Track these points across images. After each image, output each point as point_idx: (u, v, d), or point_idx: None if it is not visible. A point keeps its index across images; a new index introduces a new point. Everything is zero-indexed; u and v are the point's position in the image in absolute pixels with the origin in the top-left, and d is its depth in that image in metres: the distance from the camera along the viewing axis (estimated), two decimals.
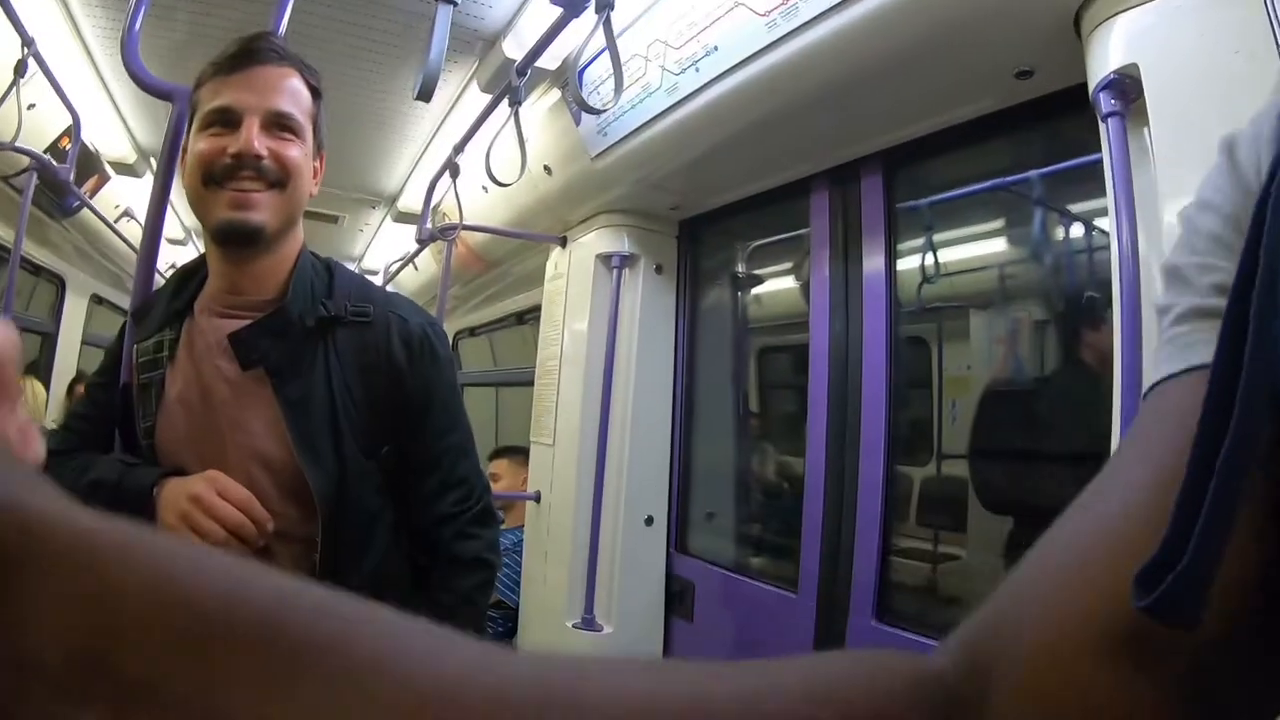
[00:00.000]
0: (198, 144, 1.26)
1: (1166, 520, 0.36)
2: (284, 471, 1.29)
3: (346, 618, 0.30)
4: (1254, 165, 0.45)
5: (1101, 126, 1.43)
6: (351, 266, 6.40)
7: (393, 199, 4.71)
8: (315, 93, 1.37)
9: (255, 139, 1.24)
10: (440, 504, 1.42)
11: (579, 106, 2.02)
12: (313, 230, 5.34)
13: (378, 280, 5.67)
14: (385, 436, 1.37)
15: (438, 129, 3.62)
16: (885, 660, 0.43)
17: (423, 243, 3.50)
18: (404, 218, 4.79)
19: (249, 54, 1.29)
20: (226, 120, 1.26)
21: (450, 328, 5.91)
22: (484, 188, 3.33)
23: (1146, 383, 0.47)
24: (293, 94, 1.31)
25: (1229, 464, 0.35)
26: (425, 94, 2.04)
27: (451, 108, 3.37)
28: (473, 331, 5.66)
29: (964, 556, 2.11)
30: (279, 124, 1.28)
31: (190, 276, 1.42)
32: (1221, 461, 0.35)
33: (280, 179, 1.28)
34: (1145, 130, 1.36)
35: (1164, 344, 0.46)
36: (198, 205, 1.29)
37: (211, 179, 1.25)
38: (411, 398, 1.38)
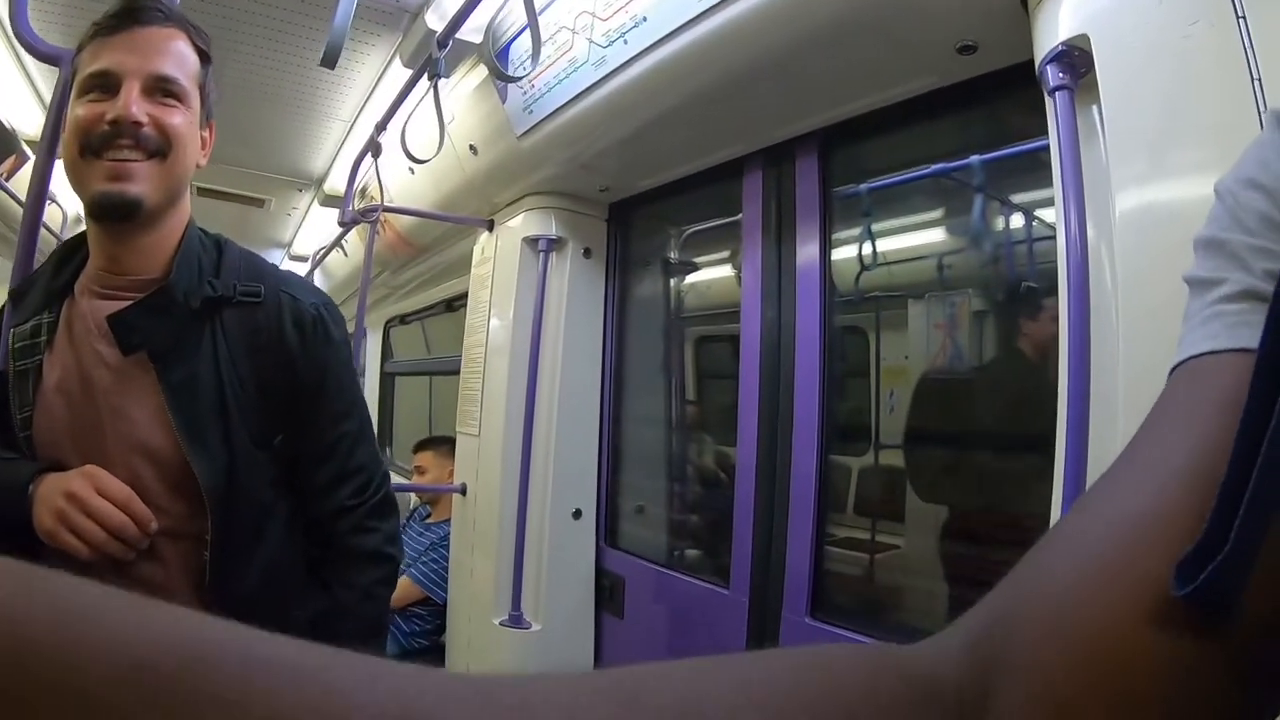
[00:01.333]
0: (76, 111, 1.18)
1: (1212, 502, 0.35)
2: (169, 463, 1.21)
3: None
4: None
5: (1048, 102, 1.36)
6: (280, 252, 6.23)
7: (320, 181, 4.56)
8: (204, 57, 1.29)
9: (134, 104, 1.16)
10: (336, 495, 1.35)
11: (495, 75, 1.92)
12: (239, 214, 5.17)
13: (305, 267, 5.52)
14: (278, 424, 1.30)
15: (362, 107, 3.50)
16: (878, 659, 0.40)
17: (345, 225, 3.37)
18: (332, 201, 4.63)
19: (131, 13, 1.21)
20: (106, 85, 1.18)
21: (381, 315, 5.76)
22: (410, 169, 3.24)
23: (1181, 354, 0.45)
24: (177, 57, 1.23)
25: (1275, 450, 0.34)
26: (329, 60, 1.93)
27: (376, 84, 3.25)
28: (403, 319, 5.52)
29: (902, 546, 2.07)
30: (161, 89, 1.20)
31: (71, 255, 1.32)
32: (1267, 447, 0.34)
33: (161, 148, 1.19)
34: (1095, 107, 1.30)
35: (1209, 318, 0.44)
36: (74, 177, 1.20)
37: (89, 148, 1.17)
38: (304, 382, 1.30)
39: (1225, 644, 0.36)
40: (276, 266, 1.39)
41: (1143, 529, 0.38)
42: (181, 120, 1.22)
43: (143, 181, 1.18)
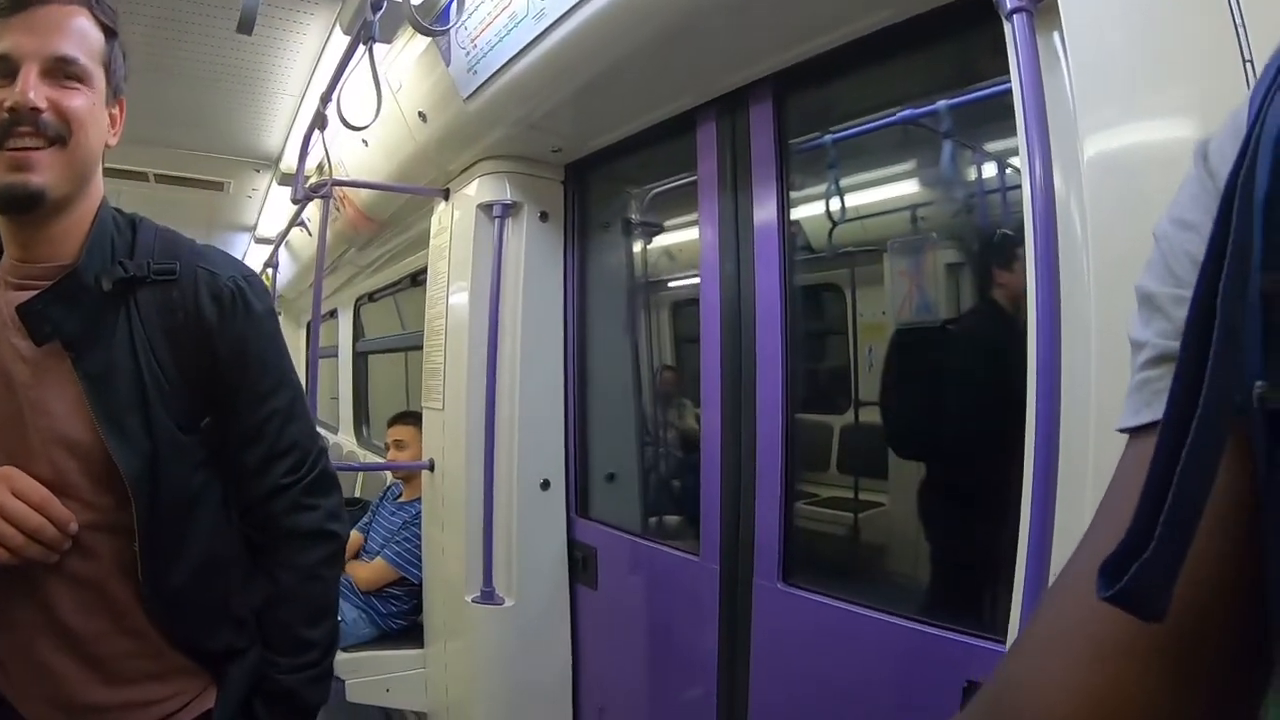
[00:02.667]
0: None
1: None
2: (92, 455, 1.16)
3: None
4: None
5: (1006, 28, 1.30)
6: (245, 236, 6.13)
7: (277, 160, 4.46)
8: (109, 32, 1.22)
9: (31, 90, 1.10)
10: (270, 476, 1.31)
11: (416, 29, 1.84)
12: (199, 199, 5.08)
13: (267, 249, 5.44)
14: (203, 406, 1.26)
15: (310, 80, 3.39)
16: None
17: (299, 202, 3.29)
18: (290, 179, 4.53)
19: None
20: (4, 70, 1.11)
21: (351, 294, 5.69)
22: (364, 141, 3.16)
23: (1120, 422, 0.48)
24: (78, 35, 1.17)
25: (1194, 453, 0.35)
26: (245, 25, 1.85)
27: (320, 55, 3.16)
28: (371, 297, 5.44)
29: (886, 504, 2.05)
30: (62, 70, 1.14)
31: None
32: (1187, 450, 0.35)
33: (61, 133, 1.13)
34: (1056, 34, 1.24)
35: (1135, 387, 0.48)
36: None
37: None
38: (224, 359, 1.25)
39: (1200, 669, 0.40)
40: (194, 242, 1.33)
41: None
42: (83, 103, 1.16)
43: (45, 171, 1.12)
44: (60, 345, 1.16)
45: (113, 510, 1.18)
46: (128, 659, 1.21)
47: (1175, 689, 0.40)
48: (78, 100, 1.15)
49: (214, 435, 1.27)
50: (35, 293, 1.16)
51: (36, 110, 1.10)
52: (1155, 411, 0.44)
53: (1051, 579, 1.19)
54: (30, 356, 1.16)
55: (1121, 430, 0.48)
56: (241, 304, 1.26)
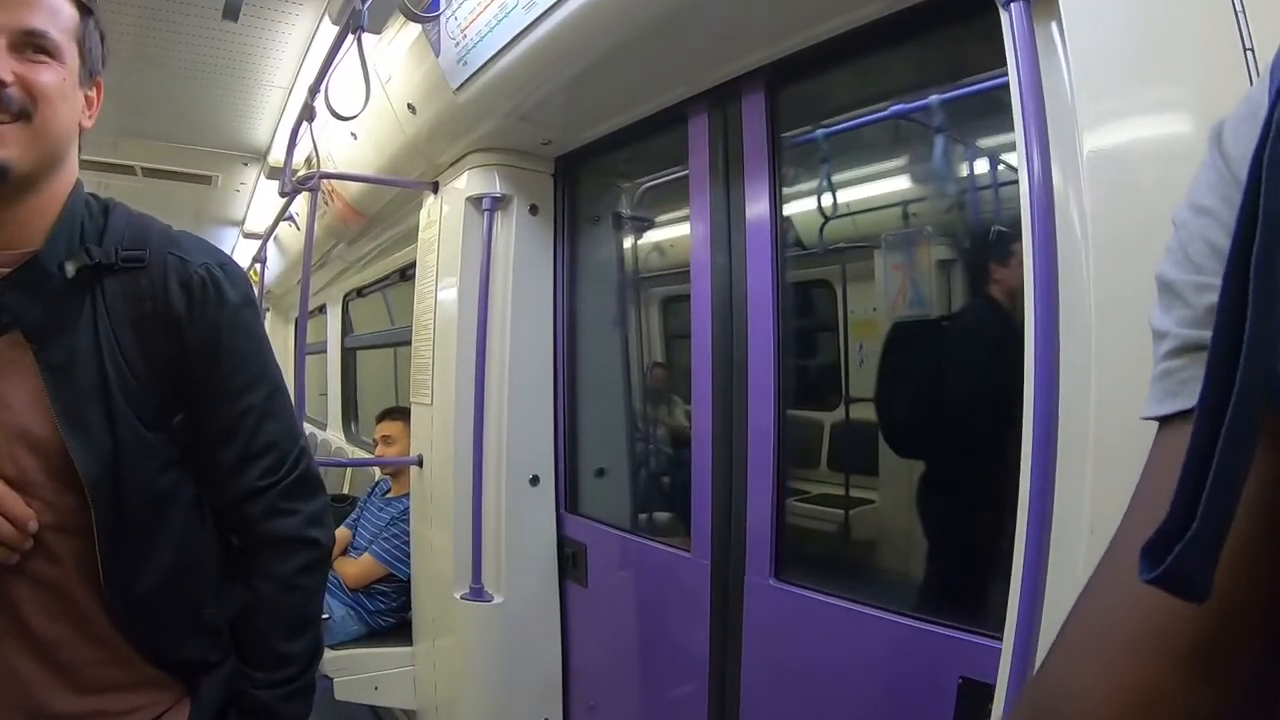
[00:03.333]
0: None
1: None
2: (52, 452, 1.10)
3: None
4: (1246, 157, 0.41)
5: (1003, 18, 1.28)
6: (233, 231, 6.09)
7: (265, 153, 4.43)
8: (84, 9, 1.17)
9: None
10: (244, 477, 1.24)
11: (405, 15, 1.82)
12: (187, 193, 5.06)
13: (256, 244, 5.40)
14: (173, 402, 1.20)
15: (298, 72, 3.37)
16: None
17: (286, 195, 3.25)
18: (278, 173, 4.50)
19: None
20: None
21: (340, 289, 5.65)
22: (353, 134, 3.13)
23: (1145, 411, 0.48)
24: (48, 10, 1.12)
25: (1233, 429, 0.35)
26: (230, 11, 1.82)
27: (309, 47, 3.13)
28: (360, 292, 5.41)
29: (876, 501, 2.03)
30: (31, 44, 1.09)
31: None
32: (1226, 427, 0.35)
33: (25, 108, 1.08)
34: (1055, 24, 1.22)
35: (1159, 377, 0.47)
36: None
37: None
38: (194, 350, 1.19)
39: (1241, 674, 0.41)
40: (169, 227, 1.27)
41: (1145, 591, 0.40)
42: (52, 78, 1.11)
43: (10, 145, 1.07)
44: (21, 336, 1.11)
45: (75, 511, 1.12)
46: (95, 666, 1.16)
47: (1211, 689, 0.41)
48: (46, 75, 1.10)
49: (186, 432, 1.21)
50: None
51: (2, 83, 1.06)
52: (1182, 400, 0.44)
53: (1050, 575, 1.18)
54: None
55: (1148, 419, 0.48)
56: (214, 292, 1.20)
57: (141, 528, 1.15)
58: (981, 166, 1.77)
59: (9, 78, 1.06)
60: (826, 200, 2.01)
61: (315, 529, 1.30)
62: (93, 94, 1.22)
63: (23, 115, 1.08)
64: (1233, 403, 0.35)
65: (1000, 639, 1.25)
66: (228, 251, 1.37)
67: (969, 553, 1.72)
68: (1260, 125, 0.39)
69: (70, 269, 1.13)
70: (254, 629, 1.25)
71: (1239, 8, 0.96)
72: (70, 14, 1.15)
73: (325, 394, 6.16)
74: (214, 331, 1.20)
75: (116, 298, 1.16)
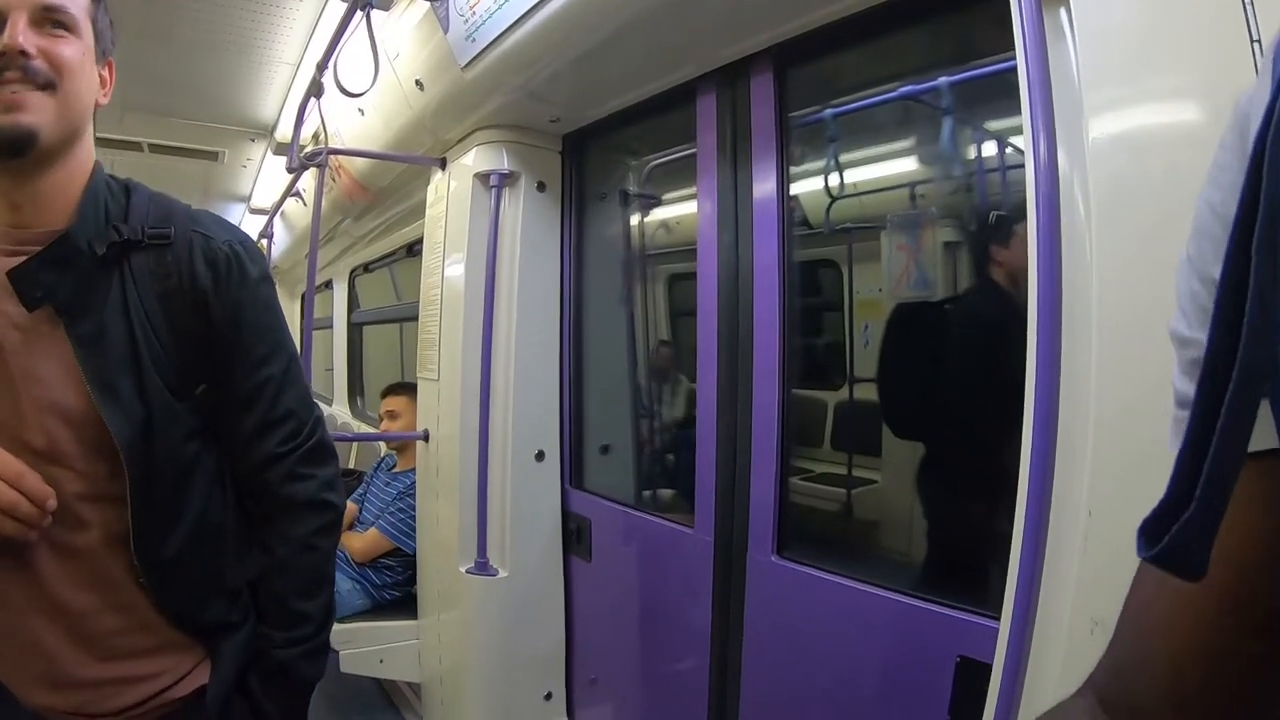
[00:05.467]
0: None
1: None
2: (85, 422, 1.15)
3: None
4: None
5: (1012, 2, 1.28)
6: (240, 206, 6.09)
7: (272, 129, 4.43)
8: None
9: (21, 34, 1.08)
10: (264, 444, 1.30)
11: None
12: (194, 169, 5.06)
13: (262, 219, 5.41)
14: (197, 372, 1.24)
15: (306, 47, 3.36)
16: None
17: (293, 171, 3.26)
18: (285, 149, 4.49)
19: None
20: None
21: (346, 264, 5.66)
22: (360, 110, 3.13)
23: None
24: None
25: (1232, 412, 0.35)
26: None
27: (317, 22, 3.13)
28: (367, 267, 5.41)
29: (879, 481, 2.05)
30: (51, 19, 1.13)
31: None
32: (1225, 409, 0.36)
33: (51, 79, 1.12)
34: (1063, 10, 1.22)
35: (1173, 423, 0.48)
36: None
37: None
38: (219, 324, 1.24)
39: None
40: (189, 207, 1.32)
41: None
42: (72, 51, 1.15)
43: (35, 111, 1.10)
44: (53, 310, 1.15)
45: (105, 479, 1.16)
46: (119, 634, 1.20)
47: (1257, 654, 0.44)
48: (67, 49, 1.14)
49: (208, 402, 1.26)
50: (26, 258, 1.15)
51: (25, 54, 1.09)
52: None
53: (1048, 556, 1.20)
54: (22, 322, 1.15)
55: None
56: (237, 268, 1.25)
57: (169, 494, 1.20)
58: (987, 150, 1.77)
59: (32, 49, 1.10)
60: (833, 180, 2.02)
61: (330, 493, 1.35)
62: (105, 73, 1.26)
63: (48, 86, 1.12)
64: (1232, 384, 0.35)
65: (999, 619, 1.26)
66: None
67: (968, 533, 1.73)
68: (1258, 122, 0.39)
69: (100, 246, 1.17)
70: (273, 590, 1.31)
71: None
72: None
73: (331, 369, 6.17)
74: (237, 305, 1.25)
75: (143, 273, 1.21)
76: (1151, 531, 0.37)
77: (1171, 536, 0.36)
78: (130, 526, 1.17)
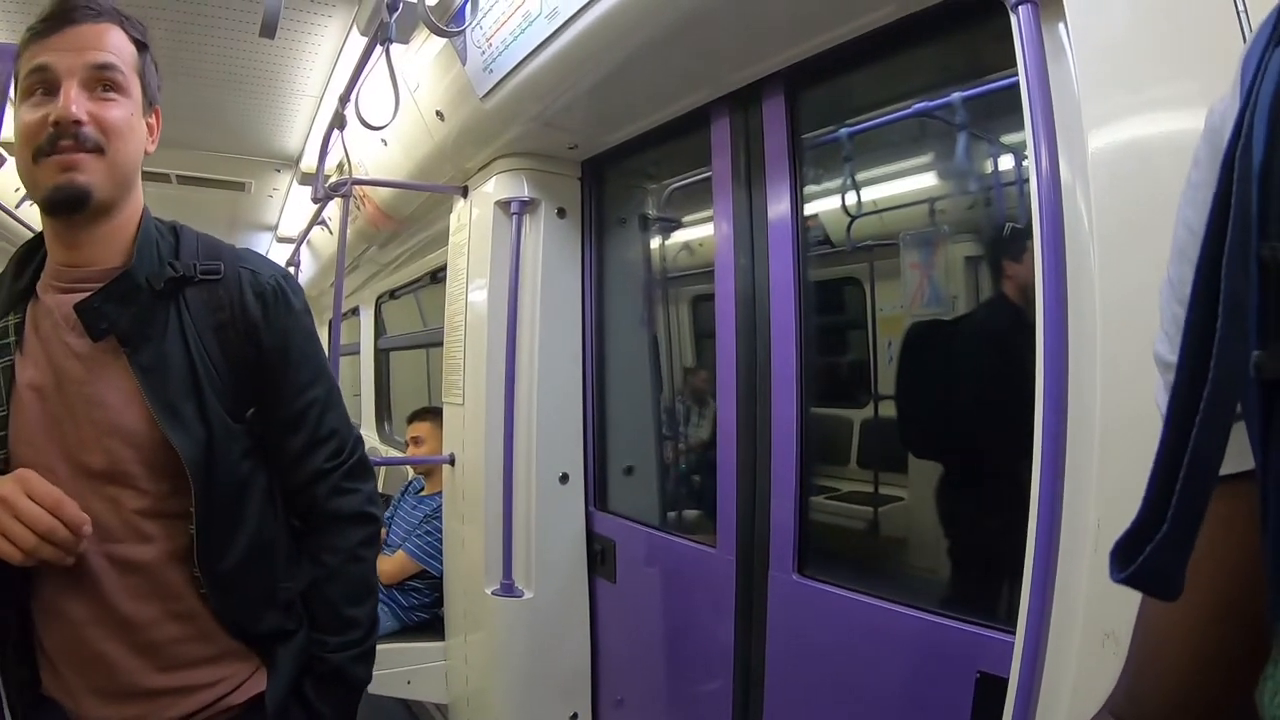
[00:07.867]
0: (22, 116, 1.22)
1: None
2: (148, 445, 1.24)
3: None
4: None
5: (1012, 19, 1.31)
6: (267, 235, 6.18)
7: (297, 160, 4.49)
8: (140, 45, 1.31)
9: (74, 104, 1.19)
10: (311, 461, 1.40)
11: (430, 29, 1.87)
12: (221, 199, 5.13)
13: (289, 248, 5.48)
14: (248, 397, 1.34)
15: (328, 80, 3.42)
16: None
17: (319, 201, 3.33)
18: (310, 179, 4.56)
19: (62, 14, 1.23)
20: (46, 86, 1.20)
21: (373, 291, 5.72)
22: (383, 140, 3.19)
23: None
24: (114, 48, 1.26)
25: (1204, 433, 0.35)
26: (268, 29, 1.88)
27: (339, 56, 3.18)
28: (392, 294, 5.47)
29: (905, 498, 2.06)
30: (102, 80, 1.23)
31: (30, 256, 1.35)
32: (1196, 430, 0.35)
33: (100, 144, 1.22)
34: (1061, 25, 1.25)
35: None
36: (28, 180, 1.24)
37: (40, 152, 1.20)
38: (269, 352, 1.34)
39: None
40: (232, 246, 1.42)
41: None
42: (120, 114, 1.23)
43: (89, 172, 1.20)
44: (115, 341, 1.24)
45: (167, 496, 1.25)
46: (179, 644, 1.27)
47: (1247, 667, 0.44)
48: (115, 111, 1.23)
49: (258, 425, 1.34)
50: (88, 293, 1.24)
51: (78, 123, 1.18)
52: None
53: (1059, 570, 1.21)
54: (84, 353, 1.24)
55: None
56: (283, 301, 1.36)
57: (228, 510, 1.30)
58: (993, 166, 1.79)
59: (84, 117, 1.19)
60: (850, 200, 2.04)
61: (372, 506, 1.46)
62: (153, 121, 1.35)
63: (97, 150, 1.21)
64: (1203, 406, 0.35)
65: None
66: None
67: (986, 549, 1.74)
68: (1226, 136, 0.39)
69: (158, 282, 1.27)
70: (323, 598, 1.39)
71: (1241, 8, 0.98)
72: (131, 51, 1.28)
73: (359, 395, 6.23)
74: (285, 335, 1.35)
75: (198, 306, 1.30)
76: (1124, 554, 0.37)
77: (1146, 557, 0.36)
78: (194, 539, 1.25)
